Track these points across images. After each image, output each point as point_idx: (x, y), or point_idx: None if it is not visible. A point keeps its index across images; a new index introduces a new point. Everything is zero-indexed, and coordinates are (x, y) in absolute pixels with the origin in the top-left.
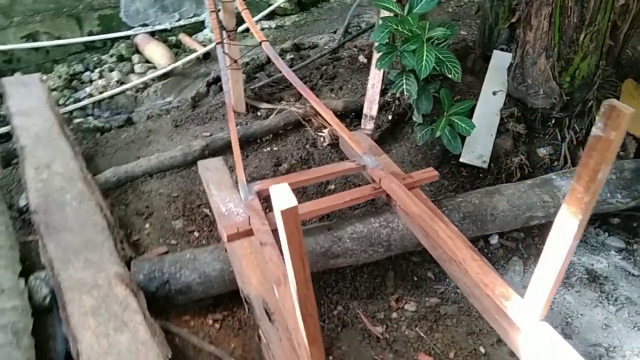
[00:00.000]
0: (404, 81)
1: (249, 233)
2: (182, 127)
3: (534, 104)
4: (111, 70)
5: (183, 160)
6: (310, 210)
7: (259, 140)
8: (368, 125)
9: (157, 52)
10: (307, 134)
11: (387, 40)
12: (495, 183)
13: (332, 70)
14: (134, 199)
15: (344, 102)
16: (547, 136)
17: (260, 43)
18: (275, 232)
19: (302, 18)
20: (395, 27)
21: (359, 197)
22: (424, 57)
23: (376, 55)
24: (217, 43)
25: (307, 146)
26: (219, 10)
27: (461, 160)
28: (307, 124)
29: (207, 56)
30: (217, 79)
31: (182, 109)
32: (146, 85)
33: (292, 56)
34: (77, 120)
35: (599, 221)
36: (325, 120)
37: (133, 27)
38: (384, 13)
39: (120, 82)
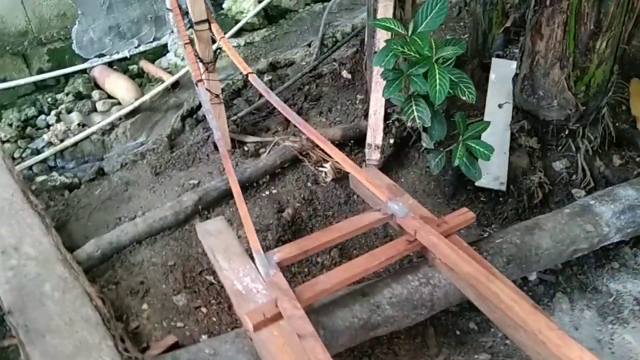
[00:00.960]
0: (414, 107)
1: (277, 317)
2: (163, 175)
3: (546, 117)
4: (69, 111)
5: (175, 220)
6: (342, 280)
7: (255, 184)
8: (374, 155)
9: (120, 86)
10: (306, 169)
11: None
12: (518, 207)
13: (316, 90)
14: (124, 274)
15: (342, 130)
16: (561, 148)
17: (247, 76)
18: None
19: (271, 32)
20: (402, 49)
21: (394, 254)
22: (437, 81)
23: (377, 80)
24: (197, 81)
25: (309, 184)
26: (192, 41)
27: (477, 184)
28: (304, 158)
29: (176, 85)
30: (192, 112)
31: (158, 151)
32: (113, 125)
33: (269, 77)
34: (39, 179)
35: (633, 240)
36: (327, 154)
37: (88, 59)
38: (382, 33)
39: (82, 125)
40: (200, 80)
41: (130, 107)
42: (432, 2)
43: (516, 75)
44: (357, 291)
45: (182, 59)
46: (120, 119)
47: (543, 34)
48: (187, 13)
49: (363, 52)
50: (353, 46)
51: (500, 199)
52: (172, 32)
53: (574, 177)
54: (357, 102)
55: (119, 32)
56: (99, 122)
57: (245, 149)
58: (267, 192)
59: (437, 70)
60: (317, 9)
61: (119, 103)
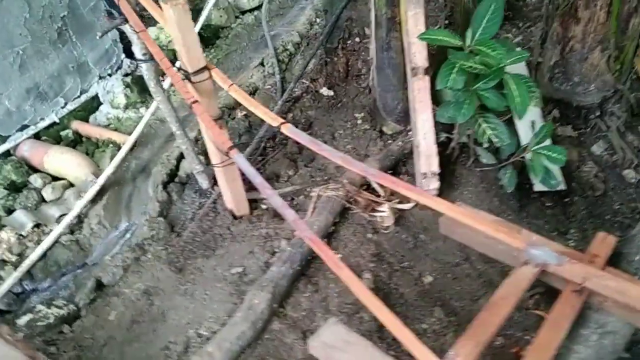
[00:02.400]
0: (485, 125)
1: None
2: (188, 270)
3: (581, 102)
4: (9, 210)
5: (254, 333)
6: None
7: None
8: (432, 184)
9: (67, 162)
10: (358, 218)
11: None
12: (587, 203)
13: (302, 116)
14: None
15: (378, 162)
16: (592, 130)
17: (279, 128)
18: None
19: (212, 56)
20: (467, 63)
21: (568, 312)
22: (516, 92)
23: (421, 100)
24: (228, 149)
25: (369, 235)
26: (195, 102)
27: (536, 189)
28: (353, 205)
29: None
30: (172, 175)
31: (160, 237)
32: (80, 217)
33: (244, 112)
34: (22, 321)
35: None
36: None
37: (9, 136)
38: (418, 47)
39: (37, 225)
40: (232, 148)
41: (97, 188)
42: (486, 4)
43: (539, 63)
44: None
45: (125, 109)
46: (86, 206)
47: (580, 17)
48: (147, 60)
49: (333, 61)
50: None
51: (565, 199)
52: (102, 78)
53: (614, 157)
54: (359, 121)
55: (39, 94)
56: (59, 217)
57: (264, 207)
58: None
59: (512, 81)
60: (249, 20)
61: (71, 184)
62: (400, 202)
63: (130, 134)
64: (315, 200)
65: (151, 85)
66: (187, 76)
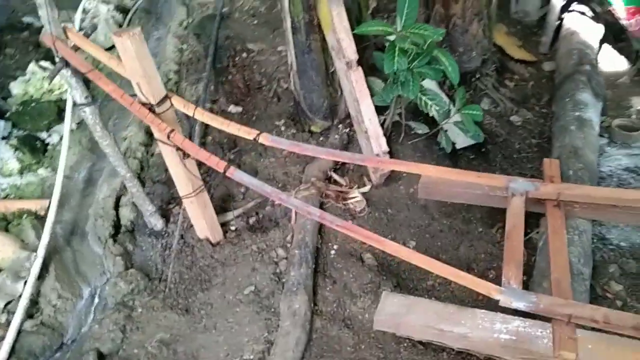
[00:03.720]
0: (425, 97)
1: None
2: (195, 306)
3: (467, 68)
4: None
5: (306, 335)
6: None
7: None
8: None
9: None
10: (334, 208)
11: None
12: (497, 149)
13: (224, 136)
14: None
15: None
16: (475, 91)
17: (257, 137)
18: None
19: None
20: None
21: (560, 223)
22: (447, 62)
23: (360, 89)
24: (184, 197)
25: (350, 221)
26: (172, 131)
27: (459, 147)
28: (327, 200)
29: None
30: (116, 227)
31: (140, 288)
32: (32, 297)
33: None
34: None
35: None
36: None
37: None
38: (346, 41)
39: None
40: (229, 166)
41: (40, 261)
42: None
43: None
44: None
45: (20, 174)
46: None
47: None
48: (90, 104)
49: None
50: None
51: (482, 149)
52: None
53: (498, 108)
54: (283, 128)
55: None
56: (5, 305)
57: (233, 228)
58: (333, 252)
59: (442, 54)
60: None
61: None
62: (361, 187)
63: (39, 198)
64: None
65: (97, 129)
66: (150, 108)
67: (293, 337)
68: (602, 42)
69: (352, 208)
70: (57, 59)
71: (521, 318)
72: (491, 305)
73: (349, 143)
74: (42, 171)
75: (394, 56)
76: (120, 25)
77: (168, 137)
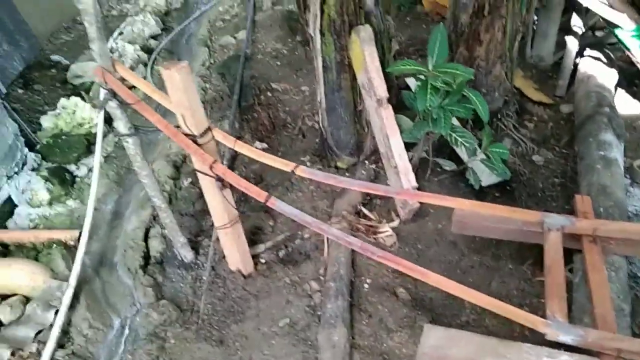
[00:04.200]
0: (455, 134)
1: None
2: (229, 338)
3: (490, 108)
4: None
5: None
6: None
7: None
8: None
9: (18, 275)
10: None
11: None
12: (521, 187)
13: (250, 171)
14: None
15: (359, 193)
16: (497, 130)
17: (294, 169)
18: None
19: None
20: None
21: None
22: (477, 100)
23: (390, 125)
24: (218, 228)
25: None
26: (215, 161)
27: (484, 184)
28: (355, 233)
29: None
30: (145, 258)
31: (172, 319)
32: (64, 328)
33: (189, 180)
34: None
35: None
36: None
37: None
38: (378, 81)
39: (12, 354)
40: (270, 196)
41: (72, 291)
42: (434, 36)
43: None
44: None
45: (49, 204)
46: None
47: (482, 40)
48: (133, 134)
49: (253, 117)
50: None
51: (507, 188)
52: (9, 178)
53: (519, 148)
54: (309, 164)
55: None
56: (36, 335)
57: (263, 260)
58: (366, 286)
59: (471, 93)
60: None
61: (27, 300)
62: (389, 222)
63: (68, 229)
64: (327, 238)
65: (137, 160)
66: (194, 139)
67: None
68: (616, 86)
69: (383, 242)
70: (101, 92)
71: (567, 352)
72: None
73: (376, 179)
74: (70, 202)
75: (426, 93)
76: (145, 65)
77: (211, 167)
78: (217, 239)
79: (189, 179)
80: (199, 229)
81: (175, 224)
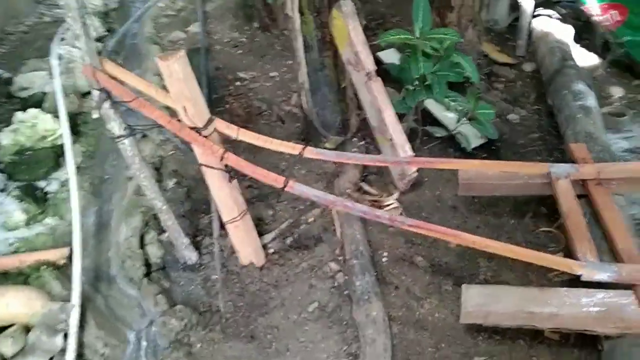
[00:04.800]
0: (447, 99)
1: None
2: (259, 332)
3: None
4: None
5: (390, 341)
6: None
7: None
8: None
9: (14, 303)
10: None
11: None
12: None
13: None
14: None
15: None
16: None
17: (302, 152)
18: None
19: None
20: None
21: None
22: (467, 64)
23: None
24: (229, 222)
25: (391, 229)
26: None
27: (473, 146)
28: None
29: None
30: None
31: (193, 323)
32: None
33: (175, 180)
34: None
35: None
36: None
37: None
38: (364, 49)
39: None
40: (288, 180)
41: (78, 309)
42: (417, 3)
43: None
44: None
45: (27, 225)
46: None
47: (454, 5)
48: (130, 135)
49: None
50: None
51: (492, 147)
52: None
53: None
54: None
55: None
56: None
57: (271, 250)
58: (385, 259)
59: (460, 56)
60: None
61: (28, 328)
62: (390, 195)
63: (52, 248)
64: (337, 217)
65: (136, 162)
66: (198, 132)
67: (380, 344)
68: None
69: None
70: (94, 93)
71: (603, 290)
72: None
73: (367, 154)
74: (49, 220)
75: (418, 61)
76: None
77: (222, 158)
78: (220, 235)
79: (174, 180)
80: (194, 229)
81: (178, 226)
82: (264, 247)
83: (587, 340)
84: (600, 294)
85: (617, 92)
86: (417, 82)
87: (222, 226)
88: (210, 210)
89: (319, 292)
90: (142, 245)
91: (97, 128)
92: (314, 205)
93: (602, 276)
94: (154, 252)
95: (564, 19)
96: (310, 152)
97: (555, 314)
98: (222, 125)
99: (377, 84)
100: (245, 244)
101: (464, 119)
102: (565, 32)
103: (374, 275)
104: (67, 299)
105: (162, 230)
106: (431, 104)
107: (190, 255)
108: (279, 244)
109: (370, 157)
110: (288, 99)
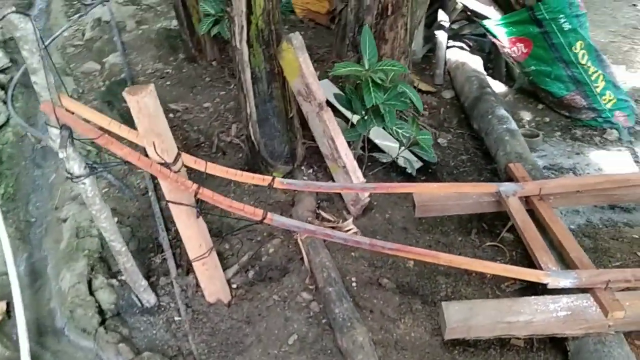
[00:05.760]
0: (395, 127)
1: None
2: None
3: None
4: None
5: None
6: None
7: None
8: (365, 193)
9: None
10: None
11: None
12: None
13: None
14: None
15: (311, 195)
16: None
17: (271, 183)
18: None
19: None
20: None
21: (551, 211)
22: (410, 93)
23: (333, 127)
24: (196, 259)
25: (353, 254)
26: (199, 187)
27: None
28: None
29: None
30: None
31: None
32: None
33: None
34: None
35: None
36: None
37: None
38: (313, 82)
39: None
40: (267, 213)
41: None
42: (363, 38)
43: None
44: None
45: None
46: None
47: (387, 38)
48: (91, 174)
49: None
50: None
51: (429, 170)
52: None
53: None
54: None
55: None
56: None
57: (234, 285)
58: (354, 284)
59: (405, 86)
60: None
61: None
62: (344, 221)
63: None
64: (303, 246)
65: (96, 202)
66: (167, 167)
67: None
68: None
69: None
70: (51, 131)
71: (565, 295)
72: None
73: (318, 181)
74: None
75: (370, 91)
76: (4, 102)
77: (196, 194)
78: (178, 274)
79: (115, 218)
80: (146, 269)
81: (136, 267)
82: (227, 282)
83: (550, 344)
84: (564, 299)
85: (526, 115)
86: (368, 112)
87: (178, 265)
88: (162, 249)
89: (295, 323)
90: (90, 291)
91: (12, 168)
92: (272, 235)
93: (566, 282)
94: (106, 298)
95: (472, 51)
96: (279, 183)
97: (530, 322)
98: (189, 160)
99: (328, 114)
100: (212, 281)
101: (403, 147)
102: (477, 62)
103: (350, 301)
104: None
105: (111, 275)
106: (373, 133)
107: (148, 298)
108: (242, 278)
109: (340, 185)
110: (227, 129)
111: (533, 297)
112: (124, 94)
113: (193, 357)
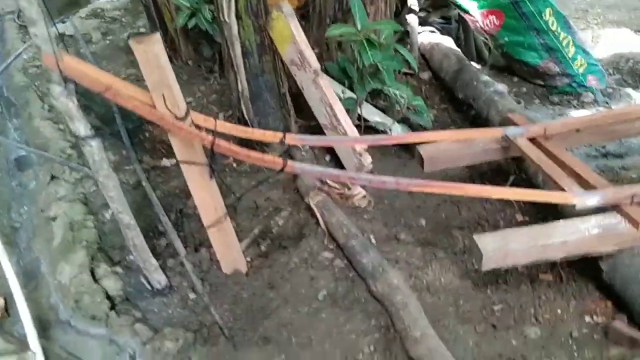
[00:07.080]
0: (393, 90)
1: None
2: (271, 337)
3: None
4: None
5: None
6: None
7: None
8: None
9: None
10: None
11: None
12: None
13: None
14: None
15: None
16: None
17: (283, 138)
18: None
19: None
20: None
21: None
22: (407, 54)
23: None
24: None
25: (365, 216)
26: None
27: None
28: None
29: None
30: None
31: (189, 344)
32: None
33: None
34: None
35: None
36: None
37: None
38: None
39: None
40: (286, 161)
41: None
42: (352, 3)
43: None
44: None
45: None
46: None
47: (369, 12)
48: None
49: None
50: None
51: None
52: None
53: None
54: (235, 164)
55: None
56: None
57: (249, 259)
58: (372, 240)
59: (399, 46)
60: None
61: None
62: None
63: None
64: (317, 209)
65: (104, 167)
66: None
67: (413, 306)
68: None
69: (359, 205)
70: (53, 88)
71: (593, 215)
72: None
73: (315, 157)
74: None
75: (366, 50)
76: None
77: (212, 145)
78: (188, 253)
79: (110, 211)
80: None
81: (146, 245)
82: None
83: (578, 274)
84: (592, 219)
85: (502, 88)
86: (364, 75)
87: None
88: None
89: (322, 280)
90: (95, 281)
91: None
92: (278, 209)
93: (593, 201)
94: (112, 285)
95: (442, 32)
96: (291, 139)
97: (564, 242)
98: (199, 118)
99: (325, 81)
100: (228, 249)
101: (403, 108)
102: (450, 42)
103: (376, 250)
104: (16, 354)
105: (113, 263)
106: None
107: (159, 279)
108: (255, 251)
109: (353, 138)
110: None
111: (561, 220)
112: (130, 42)
113: (219, 326)
